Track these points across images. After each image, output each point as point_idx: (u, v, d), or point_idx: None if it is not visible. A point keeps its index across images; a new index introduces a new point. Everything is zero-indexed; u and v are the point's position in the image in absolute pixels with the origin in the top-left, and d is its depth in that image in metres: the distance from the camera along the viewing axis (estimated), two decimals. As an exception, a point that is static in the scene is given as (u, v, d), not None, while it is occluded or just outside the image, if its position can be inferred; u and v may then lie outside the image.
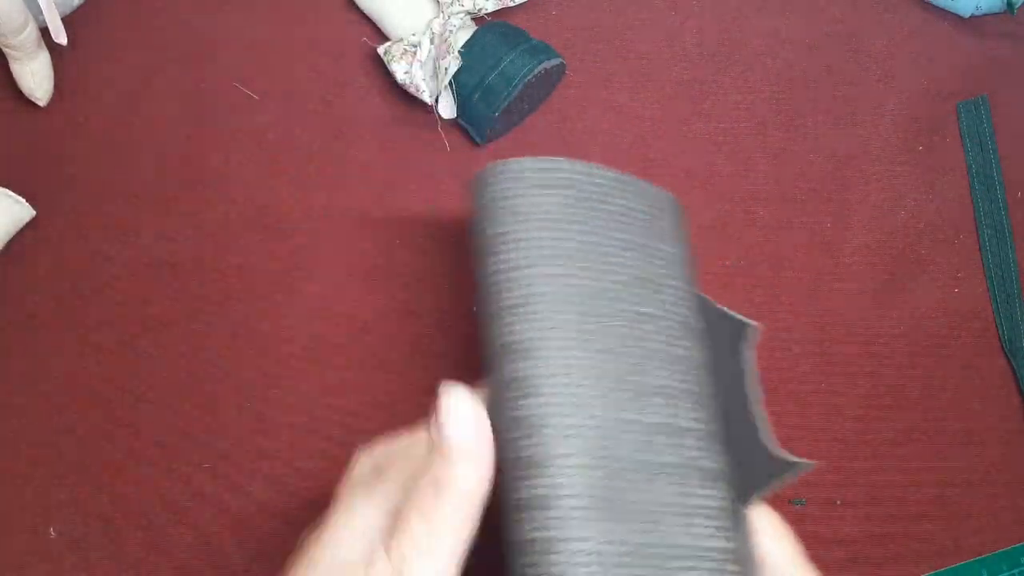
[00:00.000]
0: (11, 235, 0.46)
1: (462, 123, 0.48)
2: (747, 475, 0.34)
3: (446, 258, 0.47)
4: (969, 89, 0.53)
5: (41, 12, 0.46)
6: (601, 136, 0.50)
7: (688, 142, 0.50)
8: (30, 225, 0.46)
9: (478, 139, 0.48)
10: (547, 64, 0.47)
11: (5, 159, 0.48)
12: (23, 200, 0.46)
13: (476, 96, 0.46)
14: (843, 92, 0.52)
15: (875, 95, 0.52)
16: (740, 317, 0.37)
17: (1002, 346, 0.49)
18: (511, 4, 0.49)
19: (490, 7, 0.48)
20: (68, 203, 0.47)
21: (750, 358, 0.37)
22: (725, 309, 0.38)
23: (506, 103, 0.46)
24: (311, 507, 0.42)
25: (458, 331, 0.45)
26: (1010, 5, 0.53)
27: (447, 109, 0.48)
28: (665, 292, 0.36)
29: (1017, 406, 0.48)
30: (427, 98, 0.46)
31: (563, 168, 0.36)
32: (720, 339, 0.37)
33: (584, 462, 0.31)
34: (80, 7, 0.51)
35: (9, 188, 0.45)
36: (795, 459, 0.34)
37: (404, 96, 0.48)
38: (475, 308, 0.36)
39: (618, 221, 0.36)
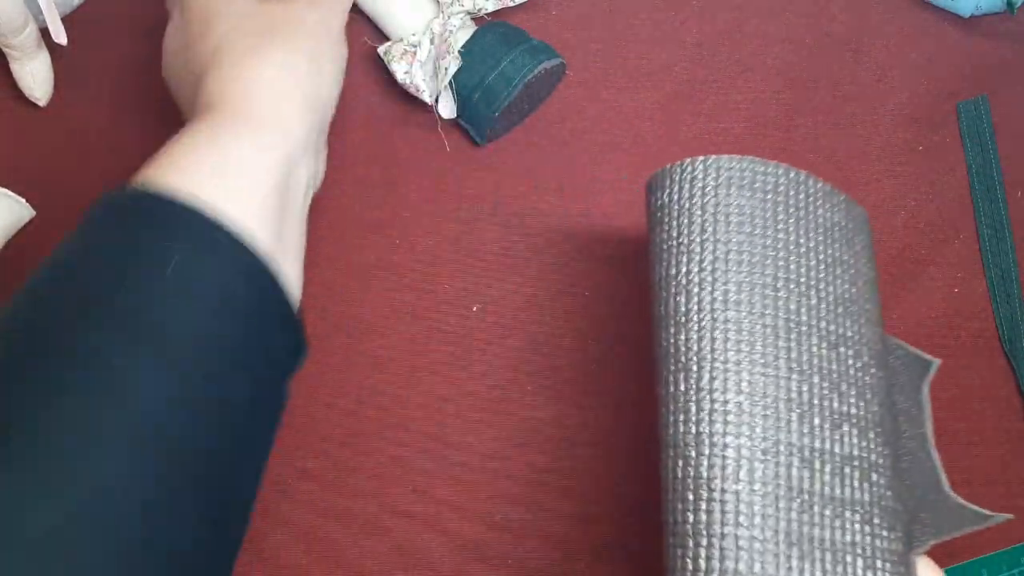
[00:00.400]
0: (11, 235, 0.46)
1: (462, 123, 0.48)
2: (923, 520, 0.32)
3: (446, 258, 0.47)
4: (969, 89, 0.53)
5: (41, 12, 0.46)
6: (601, 136, 0.50)
7: (688, 142, 0.50)
8: (30, 225, 0.46)
9: (478, 139, 0.48)
10: (547, 64, 0.47)
11: (5, 159, 0.48)
12: (23, 200, 0.46)
13: (476, 96, 0.46)
14: (843, 92, 0.52)
15: (875, 95, 0.52)
16: (922, 353, 0.35)
17: (1002, 346, 0.49)
18: (511, 4, 0.49)
19: (490, 7, 0.48)
20: (68, 203, 0.47)
21: (927, 395, 0.35)
22: (905, 344, 0.36)
23: (506, 103, 0.46)
24: (311, 509, 0.42)
25: (457, 332, 0.46)
26: (1010, 5, 0.53)
27: (447, 109, 0.48)
28: (862, 316, 0.34)
29: (1017, 406, 0.48)
30: (427, 98, 0.46)
31: (769, 171, 0.33)
32: (897, 373, 0.35)
33: (770, 491, 0.29)
34: (80, 7, 0.51)
35: (9, 188, 0.46)
36: (988, 512, 0.32)
37: (404, 96, 0.48)
38: (655, 311, 0.33)
39: (824, 234, 0.34)
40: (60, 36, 0.46)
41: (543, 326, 0.46)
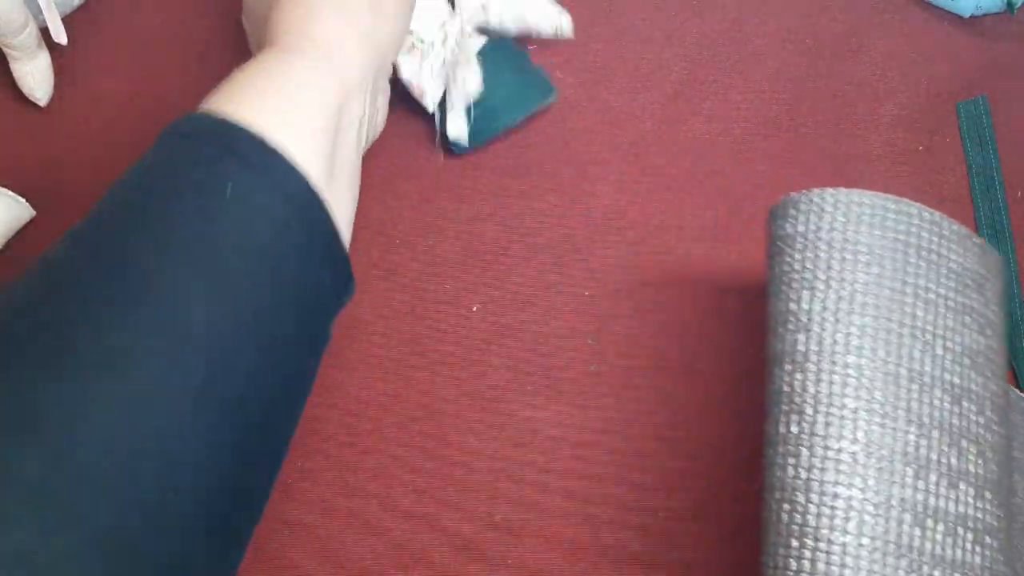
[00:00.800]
0: (11, 235, 0.46)
1: (440, 130, 0.48)
2: None
3: (446, 258, 0.47)
4: (969, 89, 0.53)
5: (41, 12, 0.46)
6: (601, 136, 0.50)
7: (688, 142, 0.50)
8: (30, 225, 0.46)
9: (456, 150, 0.48)
10: (551, 100, 0.48)
11: (5, 159, 0.48)
12: (23, 200, 0.46)
13: (476, 112, 0.46)
14: (843, 92, 0.52)
15: (875, 95, 0.52)
16: None
17: (1002, 346, 0.49)
18: (534, 35, 0.48)
19: (512, 31, 0.48)
20: (68, 203, 0.47)
21: None
22: None
23: (504, 127, 0.46)
24: (311, 509, 0.42)
25: (457, 332, 0.46)
26: (1010, 5, 0.53)
27: (456, 129, 0.47)
28: (988, 368, 0.32)
29: (1017, 406, 0.48)
30: (429, 103, 0.46)
31: (903, 210, 0.32)
32: (1018, 428, 0.34)
33: (879, 546, 0.28)
34: (80, 7, 0.51)
35: (9, 188, 0.45)
36: None
37: (403, 94, 0.48)
38: (771, 346, 0.32)
39: (956, 281, 0.32)
40: (60, 36, 0.46)
41: (543, 326, 0.46)
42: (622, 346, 0.45)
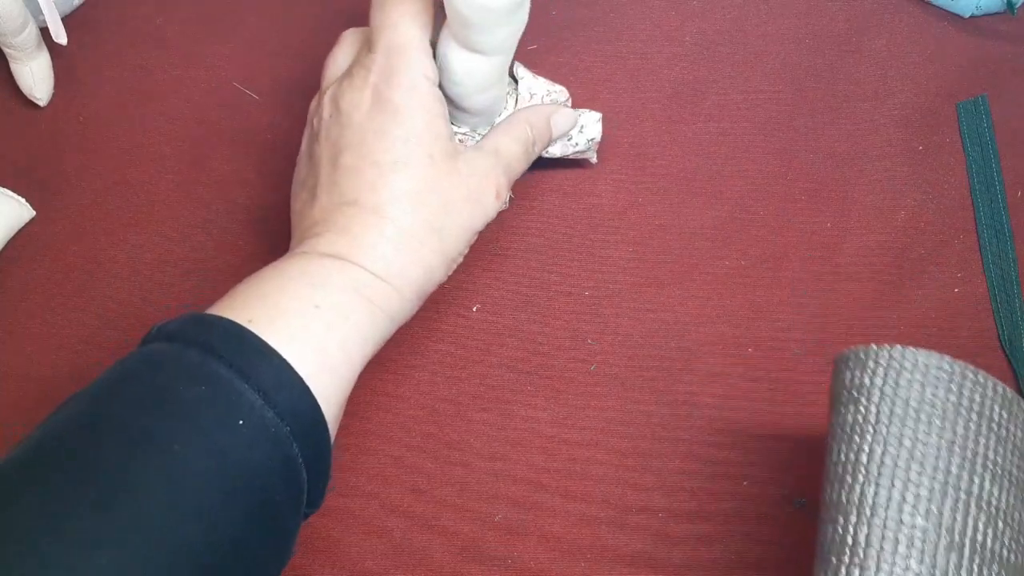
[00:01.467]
0: (11, 235, 0.46)
1: None
2: None
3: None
4: (969, 89, 0.53)
5: (41, 12, 0.46)
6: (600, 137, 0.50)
7: (688, 142, 0.50)
8: (30, 225, 0.46)
9: None
10: None
11: (5, 159, 0.48)
12: (23, 200, 0.46)
13: None
14: (843, 92, 0.52)
15: (875, 95, 0.52)
16: None
17: (1002, 346, 0.49)
18: (570, 153, 0.48)
19: (556, 153, 0.47)
20: (68, 203, 0.47)
21: None
22: None
23: None
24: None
25: (456, 331, 0.46)
26: (1010, 5, 0.53)
27: None
28: None
29: (1017, 406, 0.48)
30: None
31: (979, 381, 0.33)
32: None
33: None
34: (80, 7, 0.51)
35: (9, 188, 0.46)
36: None
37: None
38: (833, 494, 0.33)
39: (1020, 458, 0.33)
40: (60, 36, 0.47)
41: (543, 326, 0.46)
42: (622, 346, 0.45)
